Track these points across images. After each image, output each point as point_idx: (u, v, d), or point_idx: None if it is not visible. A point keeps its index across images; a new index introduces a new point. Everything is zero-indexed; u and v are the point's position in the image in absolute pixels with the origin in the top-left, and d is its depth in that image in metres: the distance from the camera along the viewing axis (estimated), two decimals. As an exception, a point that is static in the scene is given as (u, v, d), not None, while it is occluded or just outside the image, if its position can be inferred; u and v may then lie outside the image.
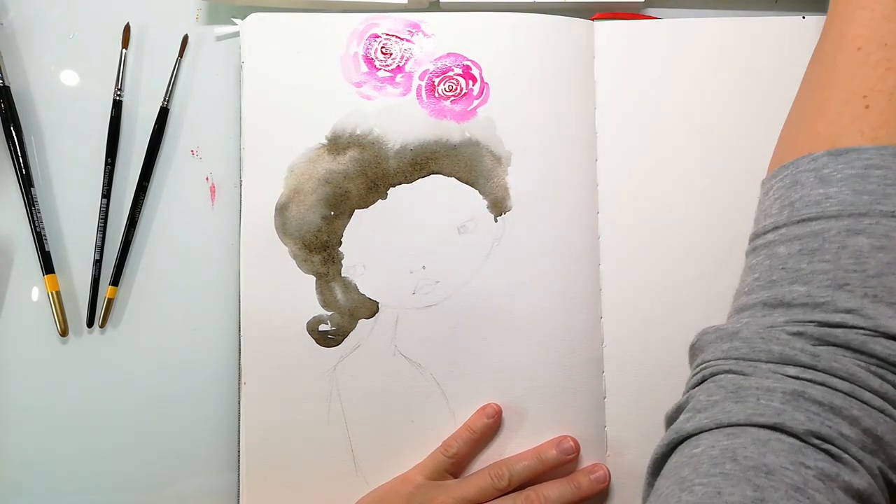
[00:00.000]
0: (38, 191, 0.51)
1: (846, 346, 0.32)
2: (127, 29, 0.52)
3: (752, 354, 0.33)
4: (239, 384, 0.48)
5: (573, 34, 0.51)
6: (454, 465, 0.47)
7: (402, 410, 0.48)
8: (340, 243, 0.49)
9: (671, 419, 0.36)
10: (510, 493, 0.46)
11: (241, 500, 0.48)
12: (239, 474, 0.48)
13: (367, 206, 0.49)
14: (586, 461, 0.48)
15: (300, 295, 0.49)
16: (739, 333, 0.34)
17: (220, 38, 0.52)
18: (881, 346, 0.31)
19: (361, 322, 0.49)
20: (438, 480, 0.47)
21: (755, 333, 0.33)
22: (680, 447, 0.33)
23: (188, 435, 0.50)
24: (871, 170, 0.33)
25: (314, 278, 0.49)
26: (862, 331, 0.31)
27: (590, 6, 0.52)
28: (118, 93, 0.51)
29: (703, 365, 0.35)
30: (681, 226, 0.50)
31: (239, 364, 0.48)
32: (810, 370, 0.31)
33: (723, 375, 0.33)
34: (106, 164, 0.50)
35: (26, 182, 0.50)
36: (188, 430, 0.50)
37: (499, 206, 0.49)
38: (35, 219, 0.50)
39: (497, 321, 0.49)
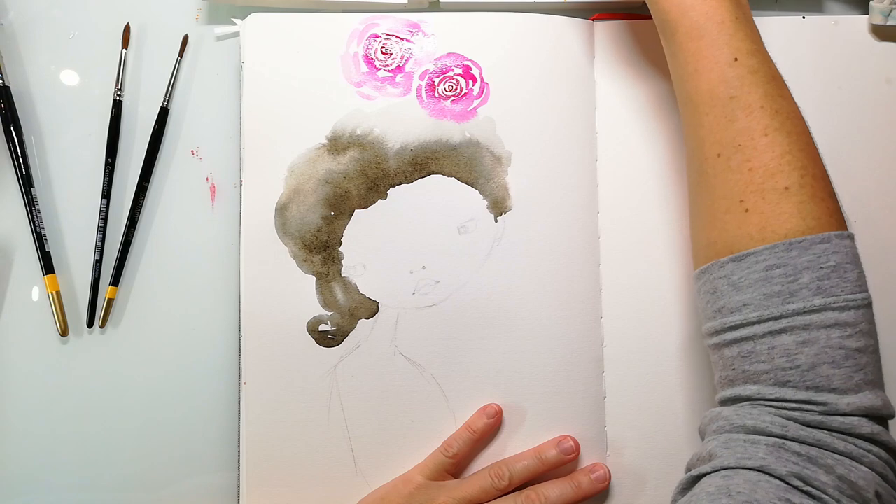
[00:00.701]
0: (38, 191, 0.51)
1: (806, 424, 0.35)
2: (127, 29, 0.52)
3: (733, 430, 0.36)
4: (239, 384, 0.48)
5: (573, 34, 0.51)
6: (454, 465, 0.47)
7: (402, 410, 0.49)
8: (340, 243, 0.49)
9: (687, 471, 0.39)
10: (510, 492, 0.47)
11: (241, 500, 0.48)
12: (239, 474, 0.48)
13: (367, 206, 0.49)
14: (586, 461, 0.48)
15: (300, 295, 0.49)
16: (721, 414, 0.37)
17: (220, 38, 0.52)
18: (838, 423, 0.34)
19: (361, 322, 0.49)
20: (439, 480, 0.47)
21: (732, 412, 0.36)
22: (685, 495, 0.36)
23: (188, 435, 0.50)
24: (772, 270, 0.36)
25: (314, 278, 0.49)
26: (818, 413, 0.35)
27: (590, 6, 0.52)
28: (118, 93, 0.51)
29: (705, 441, 0.38)
30: (681, 225, 0.50)
31: (239, 364, 0.48)
32: (781, 439, 0.34)
33: (716, 436, 0.37)
34: (106, 164, 0.50)
35: (26, 182, 0.50)
36: (188, 430, 0.50)
37: (499, 206, 0.49)
38: (35, 219, 0.50)
39: (497, 321, 0.49)
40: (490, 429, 0.48)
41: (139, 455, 0.49)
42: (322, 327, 0.49)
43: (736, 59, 0.39)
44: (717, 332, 0.38)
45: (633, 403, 0.49)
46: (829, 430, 0.34)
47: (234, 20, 0.51)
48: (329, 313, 0.49)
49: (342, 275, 0.49)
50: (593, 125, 0.51)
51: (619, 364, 0.49)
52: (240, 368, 0.48)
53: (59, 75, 0.52)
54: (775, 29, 0.51)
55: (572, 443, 0.47)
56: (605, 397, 0.49)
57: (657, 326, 0.49)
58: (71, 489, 0.49)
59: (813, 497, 0.32)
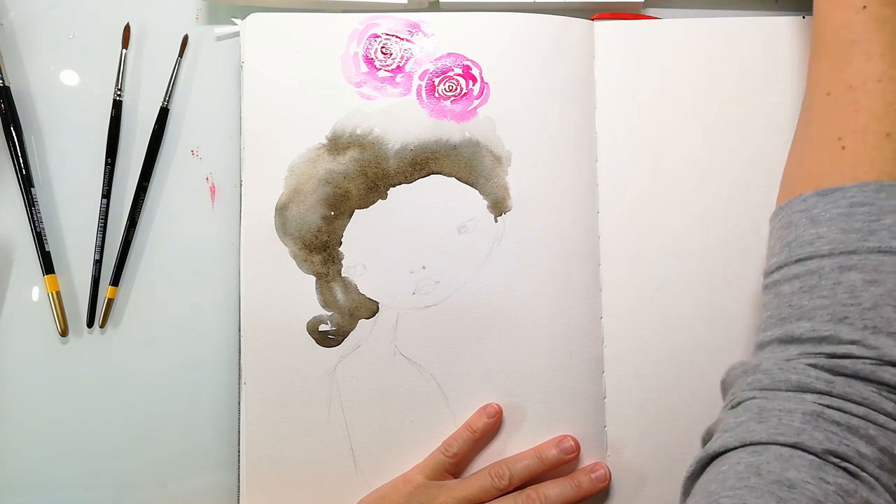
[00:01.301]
0: (38, 191, 0.51)
1: (856, 376, 0.33)
2: (127, 29, 0.52)
3: (773, 384, 0.35)
4: (239, 384, 0.48)
5: (573, 34, 0.51)
6: (454, 464, 0.47)
7: (402, 410, 0.49)
8: (340, 243, 0.49)
9: (704, 442, 0.38)
10: (511, 492, 0.47)
11: (241, 500, 0.48)
12: (239, 474, 0.48)
13: (367, 206, 0.49)
14: (586, 460, 0.48)
15: (300, 295, 0.49)
16: (760, 366, 0.36)
17: (220, 38, 0.52)
18: (889, 374, 0.33)
19: (361, 322, 0.49)
20: (439, 480, 0.47)
21: (774, 365, 0.35)
22: (709, 466, 0.35)
23: (188, 435, 0.50)
24: (856, 207, 0.36)
25: (314, 278, 0.49)
26: (869, 360, 0.33)
27: (590, 6, 0.52)
28: (118, 93, 0.51)
29: (733, 397, 0.37)
30: (681, 225, 0.50)
31: (239, 364, 0.48)
32: (826, 396, 0.33)
33: (748, 402, 0.35)
34: (106, 164, 0.50)
35: (26, 182, 0.50)
36: (188, 430, 0.50)
37: (499, 206, 0.49)
38: (35, 219, 0.50)
39: (497, 321, 0.49)
40: (490, 428, 0.48)
41: (139, 455, 0.50)
42: (322, 327, 0.49)
43: (865, 7, 0.39)
44: (781, 267, 0.37)
45: (633, 403, 0.49)
46: (880, 384, 0.33)
47: (234, 20, 0.51)
48: (329, 313, 0.49)
49: (342, 275, 0.49)
50: (593, 125, 0.51)
51: (619, 364, 0.49)
52: (240, 368, 0.48)
53: (59, 75, 0.52)
54: (775, 29, 0.51)
55: (572, 442, 0.47)
56: (605, 397, 0.49)
57: (657, 326, 0.49)
58: (71, 489, 0.49)
59: (850, 473, 0.31)
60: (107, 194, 0.50)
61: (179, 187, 0.51)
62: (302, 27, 0.50)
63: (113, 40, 0.51)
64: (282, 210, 0.49)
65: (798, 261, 0.36)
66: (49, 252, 0.50)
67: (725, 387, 0.39)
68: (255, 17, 0.50)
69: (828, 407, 0.33)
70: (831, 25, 0.40)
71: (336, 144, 0.49)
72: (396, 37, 0.50)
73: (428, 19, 0.50)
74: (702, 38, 0.51)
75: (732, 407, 0.36)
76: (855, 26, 0.39)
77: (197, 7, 0.52)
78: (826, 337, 0.34)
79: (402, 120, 0.49)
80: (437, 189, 0.49)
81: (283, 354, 0.48)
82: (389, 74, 0.50)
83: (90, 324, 0.50)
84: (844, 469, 0.31)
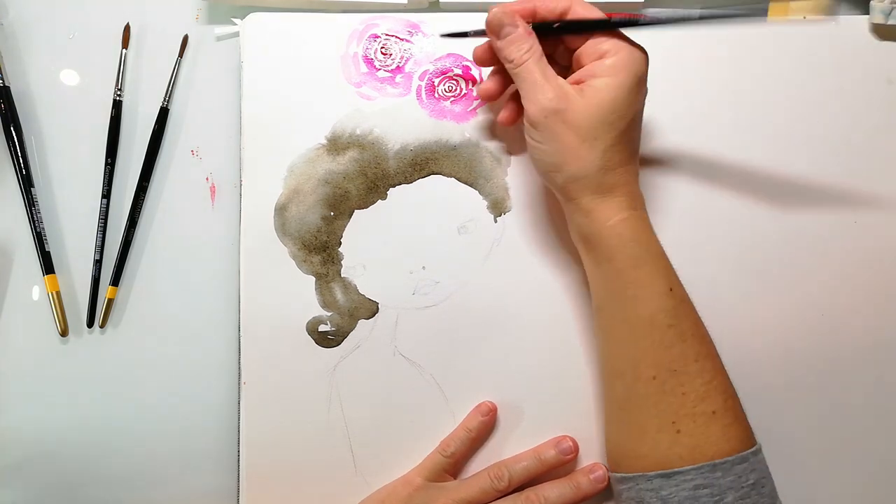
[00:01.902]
0: (38, 191, 0.51)
1: None
2: (127, 29, 0.52)
3: None
4: (239, 384, 0.48)
5: (573, 34, 0.50)
6: (453, 464, 0.47)
7: (402, 410, 0.49)
8: (340, 244, 0.49)
9: None
10: (510, 493, 0.47)
11: (241, 500, 0.48)
12: (239, 474, 0.48)
13: (366, 207, 0.49)
14: (585, 461, 0.48)
15: (300, 295, 0.49)
16: None
17: (220, 38, 0.52)
18: None
19: (361, 322, 0.49)
20: (438, 481, 0.47)
21: None
22: None
23: (188, 435, 0.50)
24: (699, 489, 0.39)
25: (314, 278, 0.49)
26: None
27: (590, 6, 0.52)
28: (118, 93, 0.51)
29: None
30: (680, 225, 0.50)
31: (239, 364, 0.48)
32: None
33: None
34: (106, 164, 0.50)
35: (26, 182, 0.50)
36: (188, 430, 0.50)
37: (499, 207, 0.49)
38: (35, 219, 0.50)
39: (497, 321, 0.49)
40: (485, 426, 0.48)
41: (139, 455, 0.50)
42: (322, 328, 0.49)
43: (671, 290, 0.41)
44: None
45: (632, 404, 0.49)
46: None
47: (233, 20, 0.51)
48: (329, 313, 0.49)
49: (342, 275, 0.49)
50: (593, 125, 0.51)
51: (619, 364, 0.49)
52: (240, 368, 0.48)
53: (59, 75, 0.52)
54: (775, 29, 0.51)
55: (571, 443, 0.47)
56: (604, 398, 0.49)
57: (657, 327, 0.49)
58: (70, 488, 0.49)
59: None
60: (107, 194, 0.50)
61: (179, 187, 0.51)
62: (302, 27, 0.50)
63: (113, 40, 0.51)
64: (281, 210, 0.49)
65: None
66: (49, 252, 0.50)
67: None
68: (254, 17, 0.50)
69: None
70: (646, 309, 0.41)
71: (336, 144, 0.49)
72: (396, 37, 0.50)
73: (428, 19, 0.50)
74: (701, 39, 0.51)
75: None
76: (669, 309, 0.41)
77: (197, 7, 0.52)
78: None
79: (401, 120, 0.49)
80: (437, 189, 0.49)
81: (283, 354, 0.48)
82: (389, 75, 0.50)
83: (90, 324, 0.50)
84: None
